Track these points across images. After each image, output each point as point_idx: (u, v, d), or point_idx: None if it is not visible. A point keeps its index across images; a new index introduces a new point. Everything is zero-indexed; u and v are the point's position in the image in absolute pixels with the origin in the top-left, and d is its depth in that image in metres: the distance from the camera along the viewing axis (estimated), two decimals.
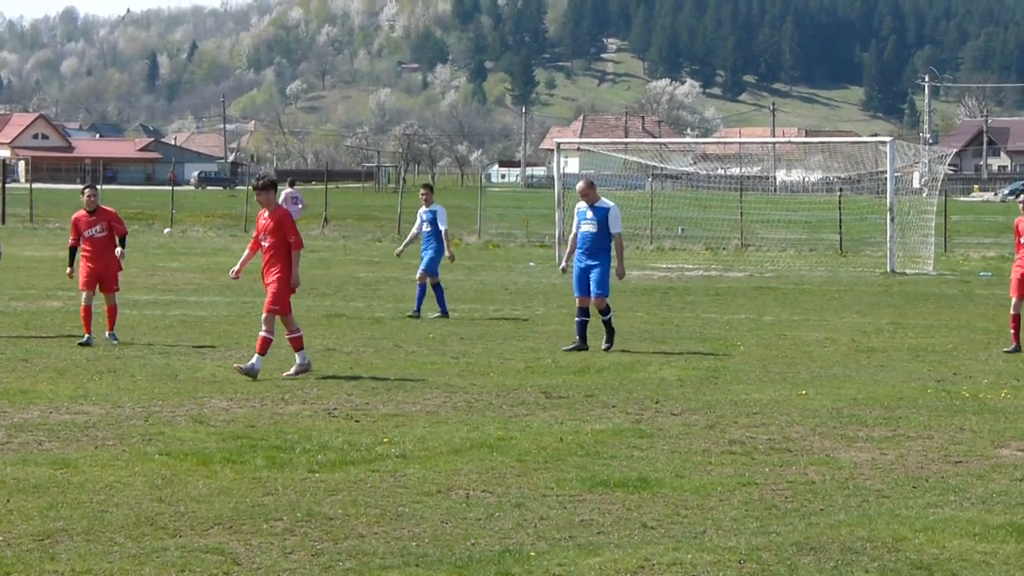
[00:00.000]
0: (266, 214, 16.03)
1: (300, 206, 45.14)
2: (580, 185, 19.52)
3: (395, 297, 26.79)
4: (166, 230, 52.69)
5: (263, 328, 15.83)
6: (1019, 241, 19.36)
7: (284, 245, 15.91)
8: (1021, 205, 19.55)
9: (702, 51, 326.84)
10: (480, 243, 47.31)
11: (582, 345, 18.85)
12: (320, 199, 60.22)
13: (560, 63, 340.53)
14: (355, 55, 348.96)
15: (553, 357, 17.97)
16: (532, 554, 8.28)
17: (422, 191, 24.03)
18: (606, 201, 19.36)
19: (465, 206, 75.98)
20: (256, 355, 15.77)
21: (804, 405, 14.07)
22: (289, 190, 45.51)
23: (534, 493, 9.96)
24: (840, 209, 45.52)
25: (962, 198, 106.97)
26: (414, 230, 24.12)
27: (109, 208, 19.43)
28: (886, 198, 38.53)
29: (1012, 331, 19.10)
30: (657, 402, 14.22)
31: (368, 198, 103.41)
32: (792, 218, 51.57)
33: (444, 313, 23.04)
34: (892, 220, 37.56)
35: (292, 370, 15.88)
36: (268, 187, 15.97)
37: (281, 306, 15.83)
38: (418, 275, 23.47)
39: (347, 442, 11.72)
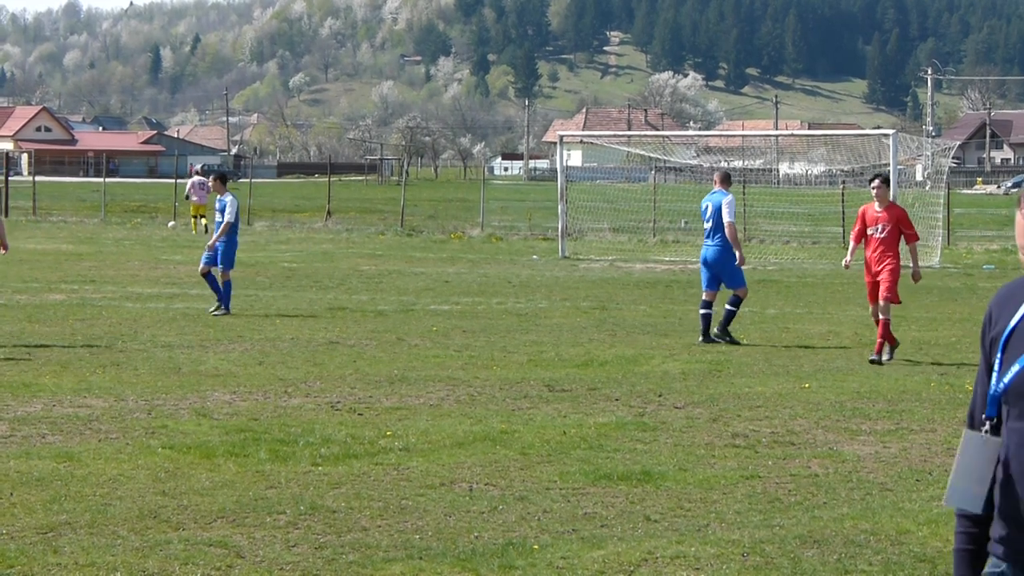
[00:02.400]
0: None
1: (206, 191, 46.37)
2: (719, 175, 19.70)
3: (398, 290, 26.78)
4: (170, 223, 52.66)
5: None
6: (865, 231, 17.49)
7: None
8: (874, 191, 17.45)
9: (705, 44, 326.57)
10: (483, 236, 47.26)
11: (706, 339, 18.84)
12: (323, 192, 60.18)
13: (563, 56, 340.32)
14: (358, 48, 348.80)
15: (556, 350, 17.96)
16: (535, 547, 8.28)
17: (210, 182, 23.60)
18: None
19: (468, 199, 75.94)
20: None
21: (807, 398, 14.07)
22: (198, 178, 47.02)
23: (537, 486, 9.96)
24: (843, 202, 45.46)
25: (965, 191, 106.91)
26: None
27: None
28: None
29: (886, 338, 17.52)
30: (660, 395, 14.21)
31: (371, 191, 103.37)
32: (795, 211, 51.53)
33: (227, 309, 22.10)
34: None
35: None
36: None
37: None
38: (220, 272, 22.42)
39: (350, 435, 11.73)
